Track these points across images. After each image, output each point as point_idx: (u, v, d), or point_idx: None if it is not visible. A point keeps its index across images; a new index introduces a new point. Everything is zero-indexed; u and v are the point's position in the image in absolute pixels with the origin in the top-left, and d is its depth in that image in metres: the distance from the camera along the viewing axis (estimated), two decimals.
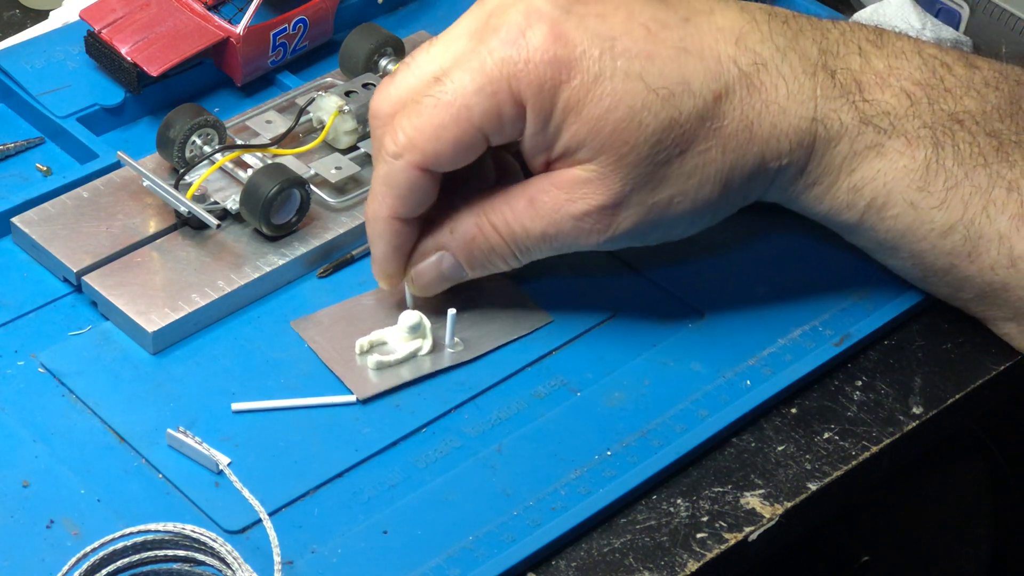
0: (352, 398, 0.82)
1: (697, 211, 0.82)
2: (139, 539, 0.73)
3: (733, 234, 0.92)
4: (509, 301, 0.87)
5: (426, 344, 0.84)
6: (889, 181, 0.83)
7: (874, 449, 0.82)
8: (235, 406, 0.81)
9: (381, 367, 0.83)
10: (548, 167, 0.82)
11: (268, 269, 0.87)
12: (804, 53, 0.82)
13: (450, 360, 0.84)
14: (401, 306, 0.86)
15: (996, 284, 0.84)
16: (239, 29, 0.95)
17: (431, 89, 0.80)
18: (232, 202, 0.88)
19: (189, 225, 0.88)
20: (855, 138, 0.82)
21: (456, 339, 0.85)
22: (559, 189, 0.81)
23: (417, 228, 0.84)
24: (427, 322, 0.84)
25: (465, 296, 0.86)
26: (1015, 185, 0.82)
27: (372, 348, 0.84)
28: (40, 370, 0.83)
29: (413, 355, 0.84)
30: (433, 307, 0.85)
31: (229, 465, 0.78)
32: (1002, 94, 0.84)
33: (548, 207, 0.81)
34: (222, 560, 0.73)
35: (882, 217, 0.84)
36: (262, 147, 0.90)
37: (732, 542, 0.78)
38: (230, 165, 0.89)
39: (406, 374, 0.83)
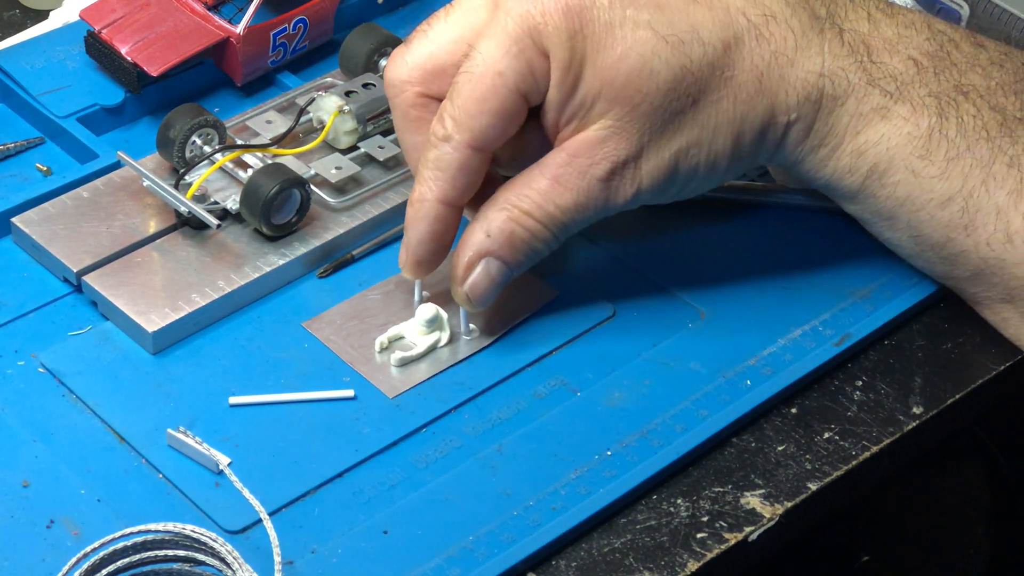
0: (350, 392, 0.82)
1: (711, 164, 0.83)
2: (139, 539, 0.73)
3: (733, 234, 0.92)
4: (512, 281, 0.87)
5: (444, 336, 0.84)
6: (892, 147, 0.83)
7: (874, 449, 0.82)
8: (233, 399, 0.81)
9: (404, 363, 0.83)
10: (562, 132, 0.82)
11: (268, 269, 0.87)
12: (813, 12, 0.83)
13: (467, 349, 0.84)
14: (408, 298, 0.86)
15: (991, 260, 0.84)
16: (239, 29, 0.95)
17: (463, 66, 0.80)
18: (232, 202, 0.88)
19: (189, 225, 0.88)
20: (861, 99, 0.83)
21: (472, 327, 0.85)
22: (580, 156, 0.81)
23: (458, 217, 0.84)
24: (443, 313, 0.84)
25: None
26: (1016, 161, 0.82)
27: (391, 344, 0.84)
28: (40, 370, 0.83)
29: (433, 348, 0.84)
30: (442, 298, 0.85)
31: (229, 465, 0.78)
32: (1007, 72, 0.85)
33: (574, 177, 0.81)
34: (222, 560, 0.73)
35: (883, 184, 0.84)
36: (262, 147, 0.90)
37: (732, 542, 0.78)
38: (230, 165, 0.89)
39: (427, 368, 0.83)
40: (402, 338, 0.84)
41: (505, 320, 0.86)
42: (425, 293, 0.86)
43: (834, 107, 0.83)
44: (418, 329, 0.84)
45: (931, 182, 0.83)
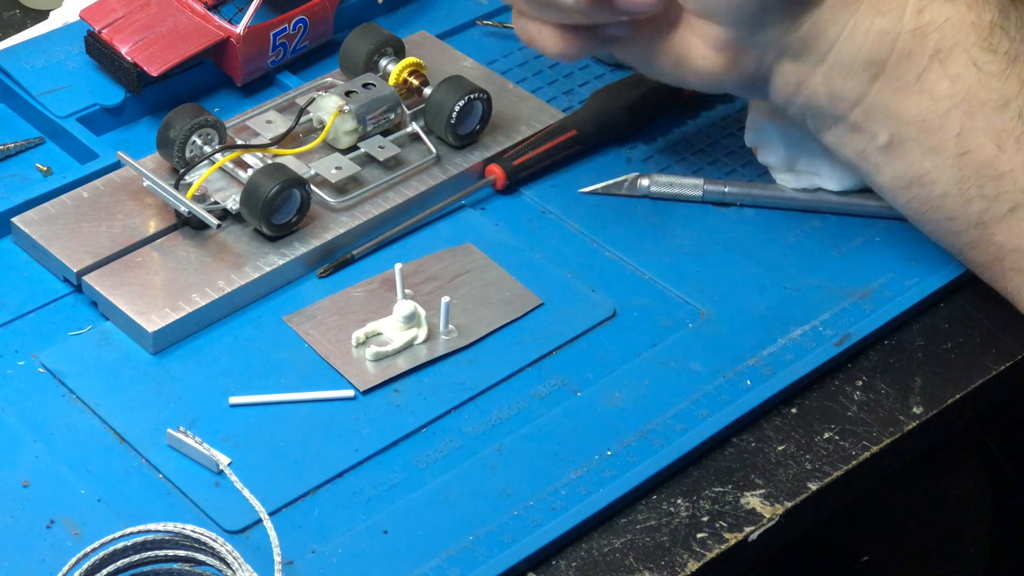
0: (349, 392, 0.82)
1: None
2: (139, 539, 0.73)
3: (733, 234, 0.92)
4: (498, 287, 0.87)
5: (421, 333, 0.84)
6: (956, 33, 0.80)
7: (874, 449, 0.82)
8: (233, 399, 0.81)
9: (379, 358, 0.83)
10: None
11: (268, 269, 0.87)
12: None
13: (445, 348, 0.84)
14: (391, 296, 0.86)
15: None
16: (239, 29, 0.95)
17: None
18: (232, 202, 0.88)
19: (189, 225, 0.88)
20: None
21: (451, 326, 0.85)
22: None
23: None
24: (421, 311, 0.84)
25: (455, 285, 0.87)
26: None
27: (368, 339, 0.84)
28: (40, 370, 0.83)
29: (409, 344, 0.84)
30: (424, 298, 0.86)
31: (229, 465, 0.78)
32: None
33: None
34: (222, 560, 0.73)
35: (944, 74, 0.80)
36: (262, 147, 0.90)
37: (732, 542, 0.78)
38: (230, 165, 0.89)
39: (403, 364, 0.83)
40: (380, 334, 0.85)
41: (486, 323, 0.86)
42: (408, 291, 0.86)
43: None
44: (396, 325, 0.84)
45: (991, 80, 0.80)
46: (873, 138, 0.83)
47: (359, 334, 0.84)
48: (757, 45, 0.83)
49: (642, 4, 0.81)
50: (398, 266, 0.85)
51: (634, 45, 0.85)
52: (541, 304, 0.87)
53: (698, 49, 0.84)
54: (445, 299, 0.84)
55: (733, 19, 0.82)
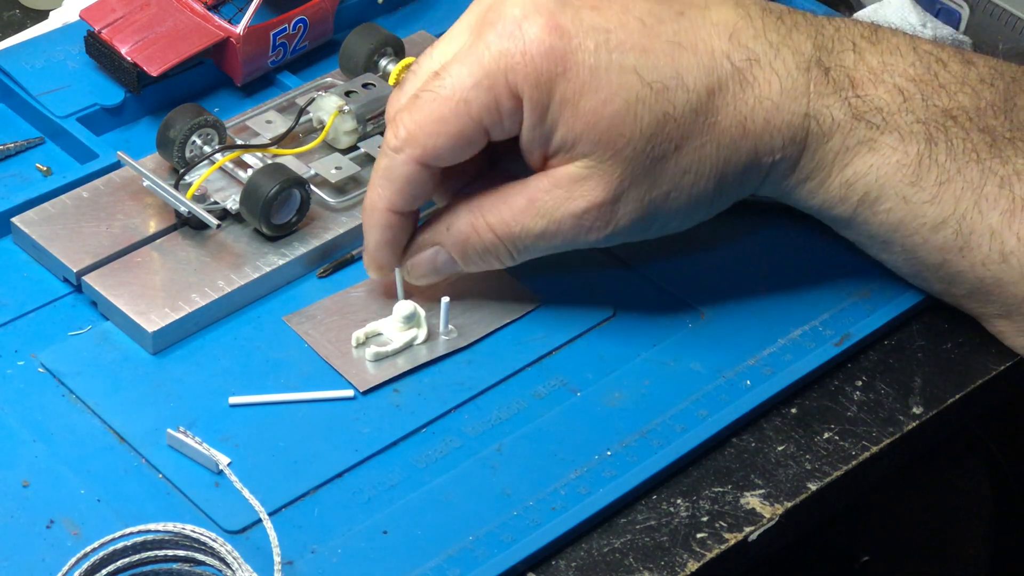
0: (349, 392, 0.82)
1: (692, 206, 0.83)
2: (139, 539, 0.73)
3: (733, 234, 0.92)
4: (498, 287, 0.87)
5: (421, 333, 0.84)
6: (882, 176, 0.83)
7: (874, 449, 0.82)
8: (233, 399, 0.81)
9: (379, 358, 0.83)
10: (546, 164, 0.82)
11: (268, 269, 0.87)
12: (797, 49, 0.83)
13: (445, 348, 0.84)
14: (391, 296, 0.86)
15: (988, 279, 0.84)
16: (239, 29, 0.95)
17: (430, 84, 0.80)
18: (232, 202, 0.88)
19: (189, 225, 0.88)
20: (847, 134, 0.83)
21: (450, 327, 0.85)
22: (559, 188, 0.81)
23: (413, 221, 0.84)
24: (421, 311, 0.84)
25: (455, 284, 0.87)
26: (1007, 181, 0.83)
27: (368, 340, 0.84)
28: (40, 370, 0.83)
29: (409, 344, 0.84)
30: (425, 296, 0.86)
31: (229, 465, 0.78)
32: (996, 91, 0.84)
33: (548, 206, 0.81)
34: (222, 560, 0.73)
35: (875, 211, 0.84)
36: (262, 147, 0.90)
37: (732, 542, 0.78)
38: (230, 165, 0.89)
39: (403, 364, 0.83)
40: (379, 334, 0.85)
41: (486, 323, 0.86)
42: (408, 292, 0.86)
43: (819, 145, 0.83)
44: (395, 325, 0.84)
45: (923, 207, 0.83)
46: (840, 233, 0.89)
47: (359, 334, 0.84)
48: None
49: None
50: (398, 268, 0.85)
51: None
52: (540, 304, 0.87)
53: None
54: (445, 299, 0.84)
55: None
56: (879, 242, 0.86)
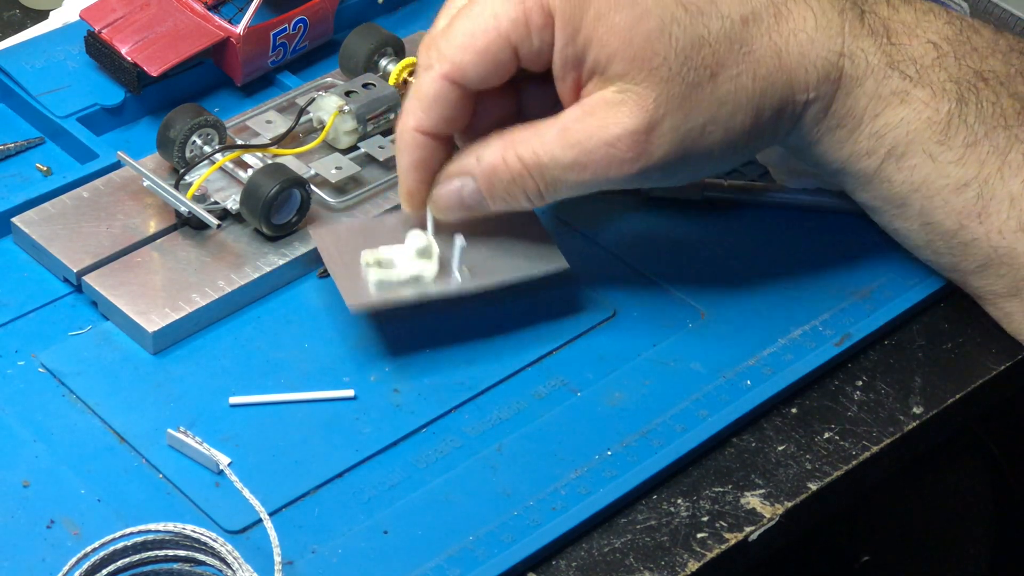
0: (349, 392, 0.82)
1: (728, 143, 0.82)
2: (139, 539, 0.73)
3: (733, 234, 0.92)
4: (529, 238, 0.86)
5: (431, 267, 0.83)
6: (912, 131, 0.83)
7: (874, 449, 0.82)
8: (233, 399, 0.81)
9: (382, 285, 0.83)
10: (578, 91, 0.81)
11: (268, 269, 0.87)
12: None
13: (455, 287, 0.83)
14: (422, 228, 0.85)
15: (1002, 249, 0.83)
16: (239, 29, 0.95)
17: (463, 8, 0.80)
18: (232, 202, 0.88)
19: (189, 225, 0.88)
20: (881, 81, 0.83)
21: (464, 267, 0.84)
22: (591, 116, 0.80)
23: (445, 149, 0.83)
24: (436, 247, 0.83)
25: (485, 226, 0.85)
26: None
27: (378, 263, 0.83)
28: (40, 370, 0.83)
29: (416, 277, 0.83)
30: (450, 234, 0.84)
31: (229, 465, 0.78)
32: None
33: (580, 135, 0.80)
34: (222, 560, 0.73)
35: (900, 167, 0.84)
36: (262, 147, 0.90)
37: (732, 542, 0.78)
38: (230, 165, 0.89)
39: (407, 294, 0.83)
40: (391, 260, 0.84)
41: (502, 271, 0.84)
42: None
43: (853, 88, 0.83)
44: (408, 255, 0.83)
45: (948, 167, 0.83)
46: (855, 198, 0.88)
47: (369, 256, 0.83)
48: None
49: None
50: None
51: None
52: (567, 268, 0.86)
53: None
54: (459, 238, 0.83)
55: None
56: (896, 205, 0.85)
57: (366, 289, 0.82)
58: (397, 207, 0.88)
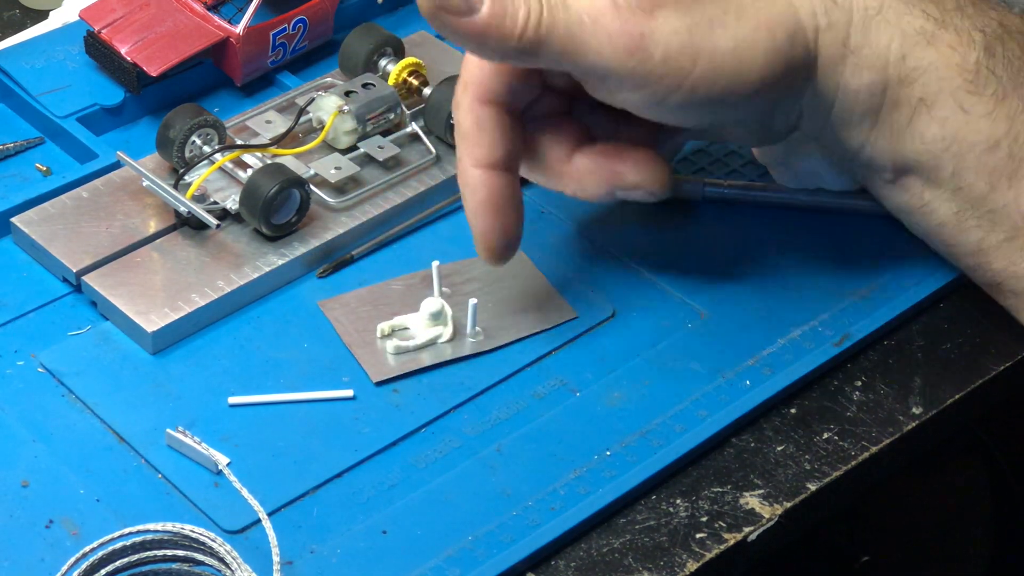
0: (349, 392, 0.82)
1: (742, 59, 0.78)
2: (138, 539, 0.73)
3: (733, 234, 0.92)
4: (537, 296, 0.87)
5: (447, 331, 0.84)
6: (941, 78, 0.80)
7: (874, 449, 0.82)
8: (232, 399, 0.81)
9: (400, 351, 0.83)
10: None
11: (268, 269, 0.87)
12: None
13: (471, 349, 0.84)
14: (429, 293, 0.86)
15: None
16: (239, 29, 0.95)
17: None
18: (232, 202, 0.88)
19: (189, 225, 0.88)
20: (902, 16, 0.80)
21: (477, 328, 0.85)
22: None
23: (510, 187, 0.82)
24: (448, 310, 0.84)
25: (495, 289, 0.87)
26: None
27: (393, 332, 0.84)
28: (40, 370, 0.83)
29: (432, 342, 0.84)
30: (461, 298, 0.85)
31: (228, 465, 0.78)
32: None
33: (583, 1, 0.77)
34: (221, 560, 0.73)
35: (931, 119, 0.80)
36: (262, 147, 0.90)
37: (732, 542, 0.78)
38: (230, 165, 0.89)
39: (425, 360, 0.83)
40: (406, 328, 0.85)
41: (516, 329, 0.86)
42: (446, 290, 0.86)
43: (870, 18, 0.79)
44: (422, 321, 0.84)
45: (980, 121, 0.80)
46: (879, 173, 0.84)
47: (384, 326, 0.84)
48: (776, 123, 0.84)
49: (653, 195, 0.83)
50: (435, 264, 0.85)
51: None
52: (576, 317, 0.87)
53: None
54: (472, 301, 0.84)
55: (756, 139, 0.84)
56: (927, 171, 0.82)
57: (387, 363, 0.83)
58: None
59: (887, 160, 0.83)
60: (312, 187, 0.89)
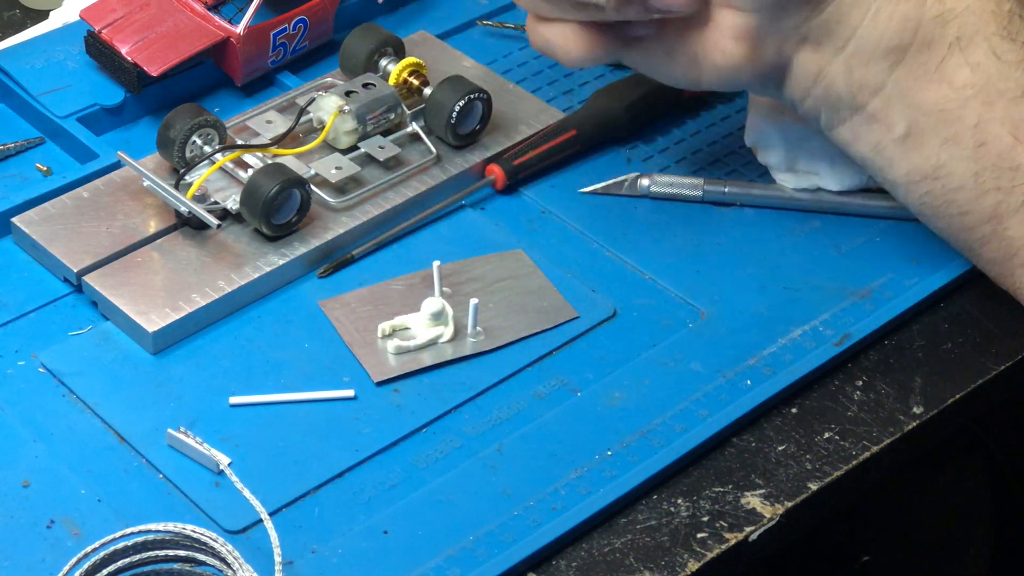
0: (349, 392, 0.82)
1: None
2: (139, 539, 0.73)
3: (733, 234, 0.92)
4: (538, 296, 0.87)
5: (447, 331, 0.84)
6: (976, 20, 0.79)
7: (874, 449, 0.82)
8: (233, 399, 0.81)
9: (400, 351, 0.83)
10: None
11: (268, 269, 0.87)
12: None
13: (471, 349, 0.84)
14: (429, 293, 0.86)
15: None
16: (239, 29, 0.95)
17: None
18: (232, 202, 0.88)
19: (189, 225, 0.88)
20: None
21: (478, 328, 0.85)
22: None
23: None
24: (449, 310, 0.84)
25: (496, 289, 0.87)
26: None
27: (394, 332, 0.84)
28: (40, 370, 0.83)
29: (433, 342, 0.84)
30: (463, 298, 0.85)
31: (229, 465, 0.78)
32: None
33: None
34: (222, 560, 0.73)
35: (963, 62, 0.79)
36: (262, 147, 0.90)
37: (732, 542, 0.78)
38: (230, 165, 0.89)
39: (426, 360, 0.83)
40: (407, 328, 0.85)
41: (516, 329, 0.86)
42: (446, 290, 0.86)
43: None
44: (423, 321, 0.84)
45: (1010, 69, 0.79)
46: (890, 129, 0.82)
47: (385, 326, 0.84)
48: (779, 32, 0.81)
49: (677, 4, 0.80)
50: (436, 264, 0.85)
51: (654, 45, 0.84)
52: (576, 317, 0.87)
53: (718, 43, 0.82)
54: (473, 301, 0.84)
55: (757, 4, 0.81)
56: (951, 121, 0.80)
57: (388, 363, 0.83)
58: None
59: (904, 108, 0.82)
60: (312, 187, 0.89)
